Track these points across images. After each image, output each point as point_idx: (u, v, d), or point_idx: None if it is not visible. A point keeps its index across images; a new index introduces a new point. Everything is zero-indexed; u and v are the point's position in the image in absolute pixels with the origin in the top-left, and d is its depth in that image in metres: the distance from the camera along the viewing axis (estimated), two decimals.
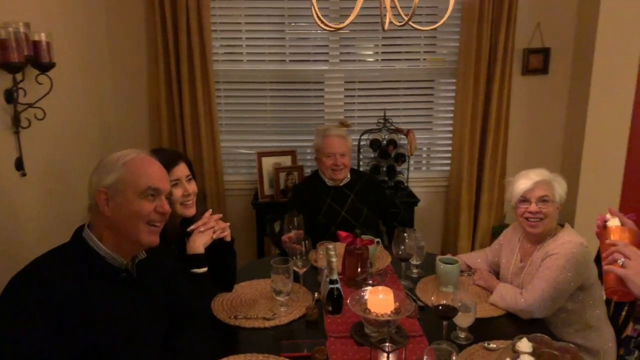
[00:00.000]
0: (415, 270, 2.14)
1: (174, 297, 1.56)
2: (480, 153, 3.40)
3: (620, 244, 1.27)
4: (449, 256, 2.06)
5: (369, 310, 1.63)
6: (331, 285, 1.79)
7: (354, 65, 3.41)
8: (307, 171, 3.35)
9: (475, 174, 3.42)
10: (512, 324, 1.77)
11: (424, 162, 3.64)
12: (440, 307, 1.59)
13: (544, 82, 3.39)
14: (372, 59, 3.44)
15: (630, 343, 1.34)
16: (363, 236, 2.02)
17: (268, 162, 3.30)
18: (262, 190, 3.29)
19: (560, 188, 1.90)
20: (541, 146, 3.50)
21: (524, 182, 1.90)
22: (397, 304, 1.64)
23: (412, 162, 3.42)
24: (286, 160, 3.34)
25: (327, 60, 3.38)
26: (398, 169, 3.25)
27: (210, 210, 1.83)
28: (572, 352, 1.41)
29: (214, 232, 1.80)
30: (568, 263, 1.77)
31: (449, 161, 3.52)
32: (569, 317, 1.83)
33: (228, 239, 1.89)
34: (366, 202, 2.61)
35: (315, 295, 1.92)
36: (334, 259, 1.78)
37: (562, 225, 1.92)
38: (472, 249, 3.54)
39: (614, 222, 1.39)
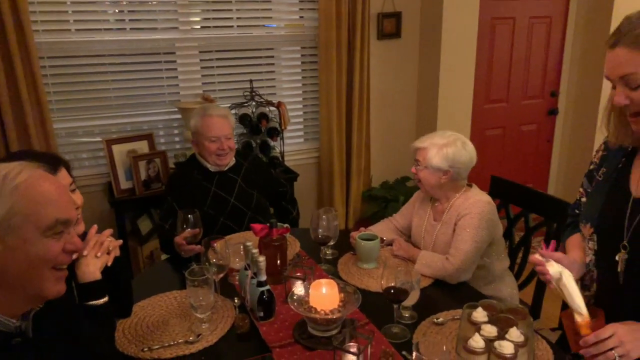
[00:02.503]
0: (329, 252, 2.01)
1: (75, 347, 1.17)
2: (347, 120, 3.38)
3: (600, 337, 1.17)
4: (363, 231, 1.98)
5: (315, 309, 1.45)
6: (261, 288, 1.55)
7: (209, 32, 3.05)
8: (170, 155, 2.94)
9: (344, 142, 3.40)
10: (442, 291, 1.76)
11: (291, 135, 3.48)
12: (392, 291, 1.48)
13: (398, 46, 3.47)
14: (218, 25, 3.07)
15: None
16: (279, 224, 1.81)
17: (121, 150, 2.81)
18: (118, 184, 2.80)
19: (437, 156, 1.87)
20: (398, 108, 3.62)
21: (416, 144, 1.96)
22: (341, 295, 1.50)
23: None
24: (143, 146, 2.88)
25: (177, 28, 2.96)
26: (271, 144, 3.04)
27: (95, 226, 1.43)
28: (522, 313, 1.43)
29: (108, 253, 1.41)
30: (481, 222, 1.82)
31: (309, 129, 3.47)
32: (481, 272, 1.91)
33: (117, 253, 1.51)
34: (255, 185, 2.36)
35: (235, 300, 1.67)
36: (261, 259, 1.54)
37: (470, 186, 1.96)
38: (347, 215, 3.56)
39: (555, 269, 1.29)
